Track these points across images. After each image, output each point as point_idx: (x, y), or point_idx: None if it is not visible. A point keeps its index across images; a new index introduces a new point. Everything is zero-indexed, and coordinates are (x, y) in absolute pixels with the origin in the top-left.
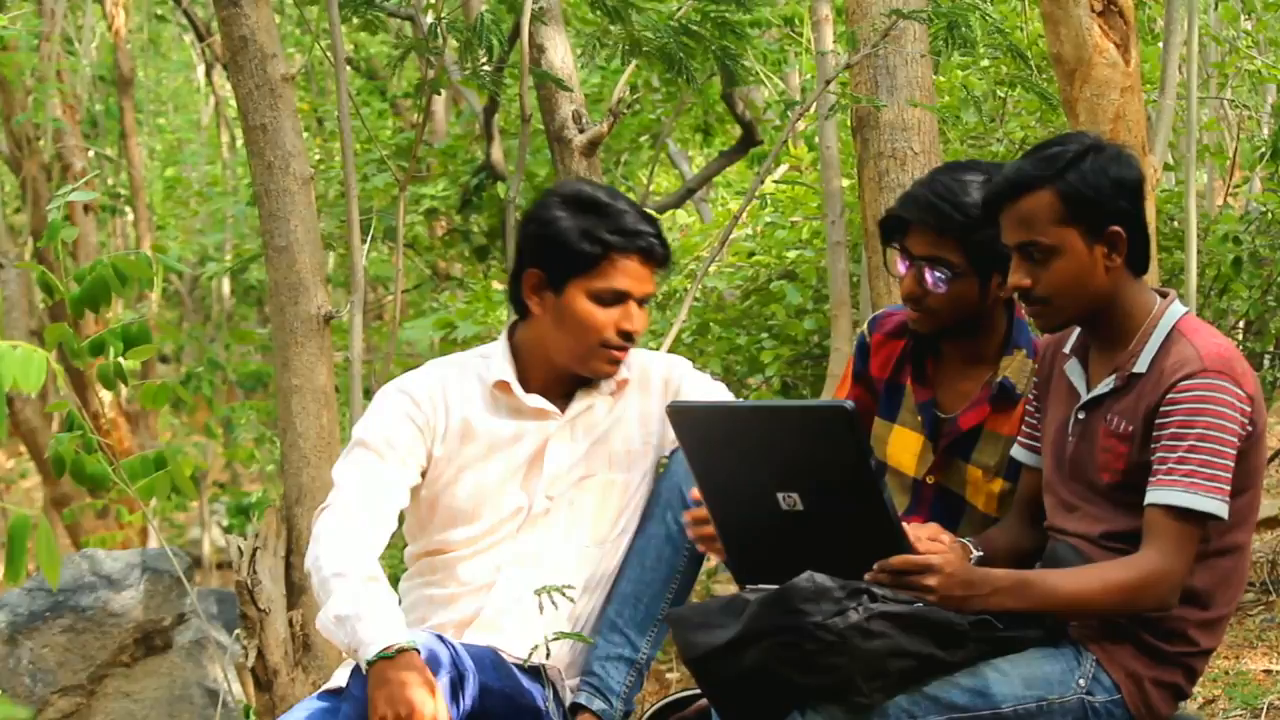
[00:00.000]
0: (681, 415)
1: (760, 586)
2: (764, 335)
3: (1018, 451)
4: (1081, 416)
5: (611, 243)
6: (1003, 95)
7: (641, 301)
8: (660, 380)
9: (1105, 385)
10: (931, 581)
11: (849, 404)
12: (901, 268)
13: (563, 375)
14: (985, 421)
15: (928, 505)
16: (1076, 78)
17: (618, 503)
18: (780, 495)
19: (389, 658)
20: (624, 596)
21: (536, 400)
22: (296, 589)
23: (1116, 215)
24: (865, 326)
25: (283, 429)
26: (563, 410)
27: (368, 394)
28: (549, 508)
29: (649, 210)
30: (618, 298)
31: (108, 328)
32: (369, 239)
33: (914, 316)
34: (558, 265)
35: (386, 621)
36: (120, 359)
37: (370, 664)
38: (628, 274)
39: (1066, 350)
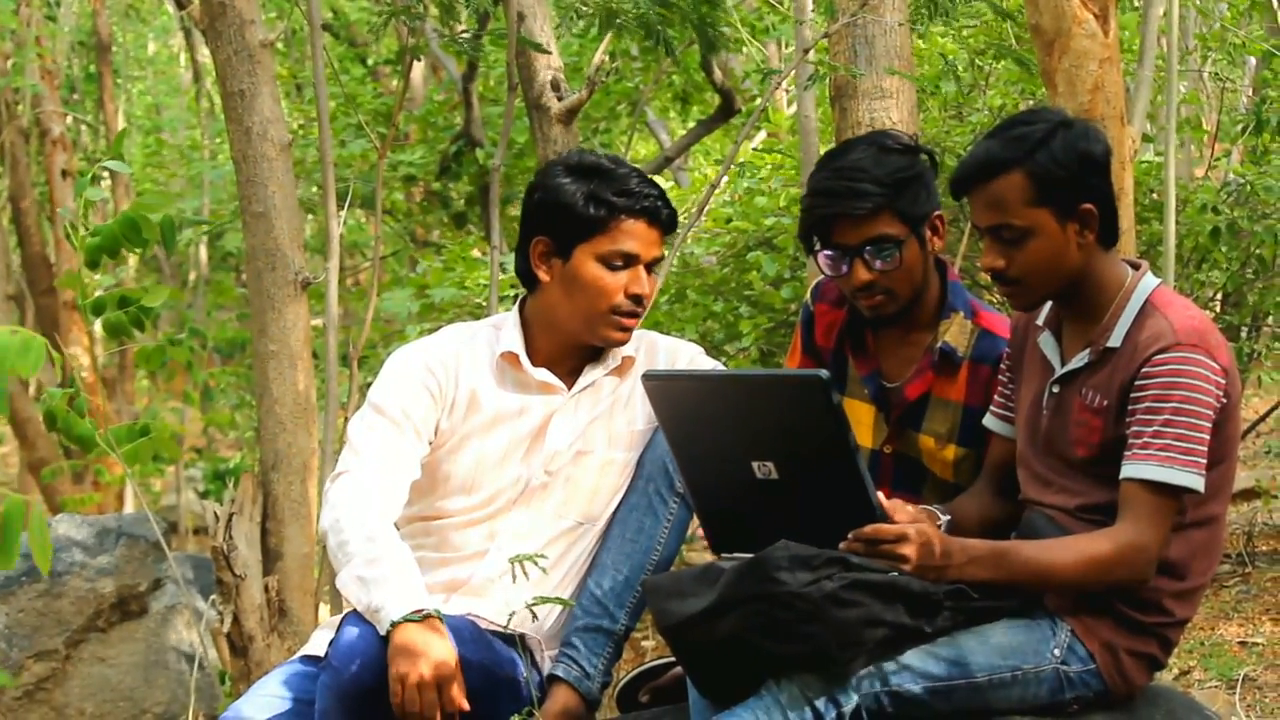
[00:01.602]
0: (656, 384)
1: (735, 555)
2: (740, 304)
3: (990, 421)
4: (1055, 390)
5: (617, 205)
6: (982, 64)
7: (650, 266)
8: (666, 364)
9: (1079, 360)
10: (906, 550)
11: (824, 373)
12: (841, 267)
13: (571, 349)
14: (931, 389)
15: (889, 476)
16: (1055, 49)
17: (614, 482)
18: (755, 464)
19: (414, 620)
20: (603, 567)
21: (543, 374)
22: (272, 555)
23: (1088, 193)
24: (809, 295)
25: (259, 395)
26: (569, 386)
27: (344, 360)
28: (547, 482)
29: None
30: (626, 261)
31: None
32: (346, 205)
33: (874, 303)
34: (565, 231)
35: (411, 585)
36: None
37: (395, 624)
38: (635, 236)
39: (1040, 322)
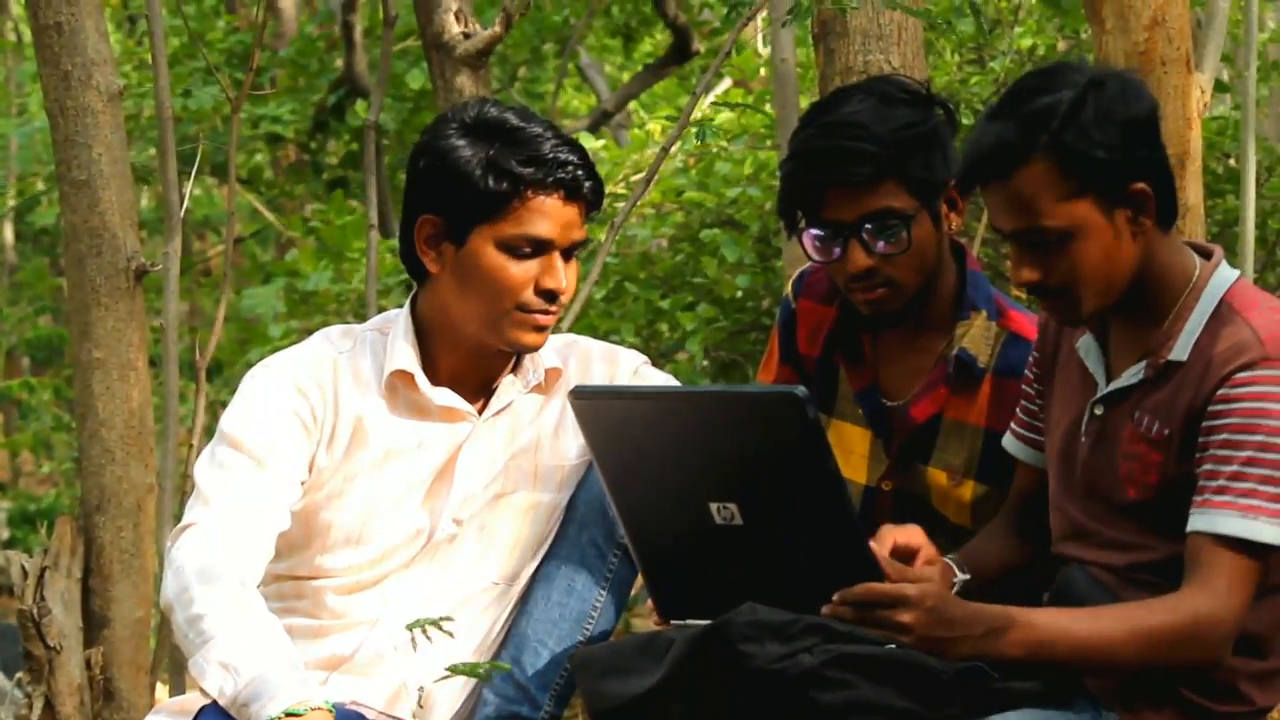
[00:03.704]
0: (587, 404)
1: (688, 623)
2: (695, 299)
3: (1010, 444)
4: (1099, 413)
5: (525, 177)
6: None
7: (568, 253)
8: (603, 379)
9: (1132, 375)
10: (905, 618)
11: (800, 389)
12: (833, 250)
13: (477, 358)
14: (944, 409)
15: (888, 520)
16: None
17: (540, 531)
18: (714, 506)
19: (298, 715)
20: (523, 639)
21: (446, 396)
22: (96, 620)
23: (1137, 168)
24: (790, 288)
25: (81, 414)
26: (479, 408)
27: (187, 370)
28: (455, 533)
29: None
30: (536, 247)
31: None
32: (193, 172)
33: (874, 296)
34: (458, 209)
35: (291, 673)
36: None
37: None
38: (547, 216)
39: None
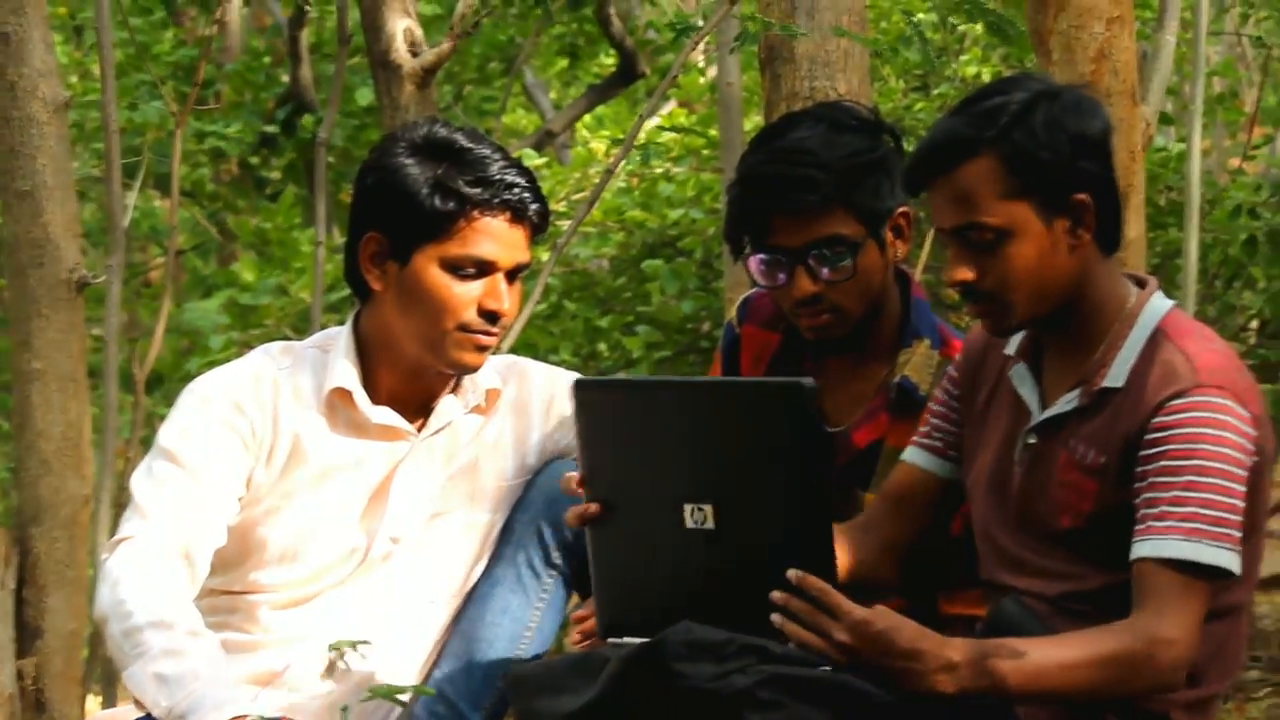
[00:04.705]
0: (589, 395)
1: (625, 641)
2: (632, 318)
3: (911, 453)
4: (1032, 441)
5: (472, 197)
6: (955, 24)
7: (512, 275)
8: (541, 401)
9: (1067, 402)
10: (841, 636)
11: (809, 381)
12: (778, 276)
13: (418, 379)
14: (886, 436)
15: None
16: (1050, 4)
17: (477, 550)
18: (689, 508)
19: None
20: (455, 658)
21: (385, 415)
22: (29, 631)
23: (1080, 179)
24: (734, 313)
25: (17, 426)
26: (418, 428)
27: (127, 382)
28: (390, 551)
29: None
30: (480, 269)
31: None
32: (137, 185)
33: (819, 323)
34: (403, 227)
35: (226, 686)
36: None
37: None
38: (492, 237)
39: (1011, 352)
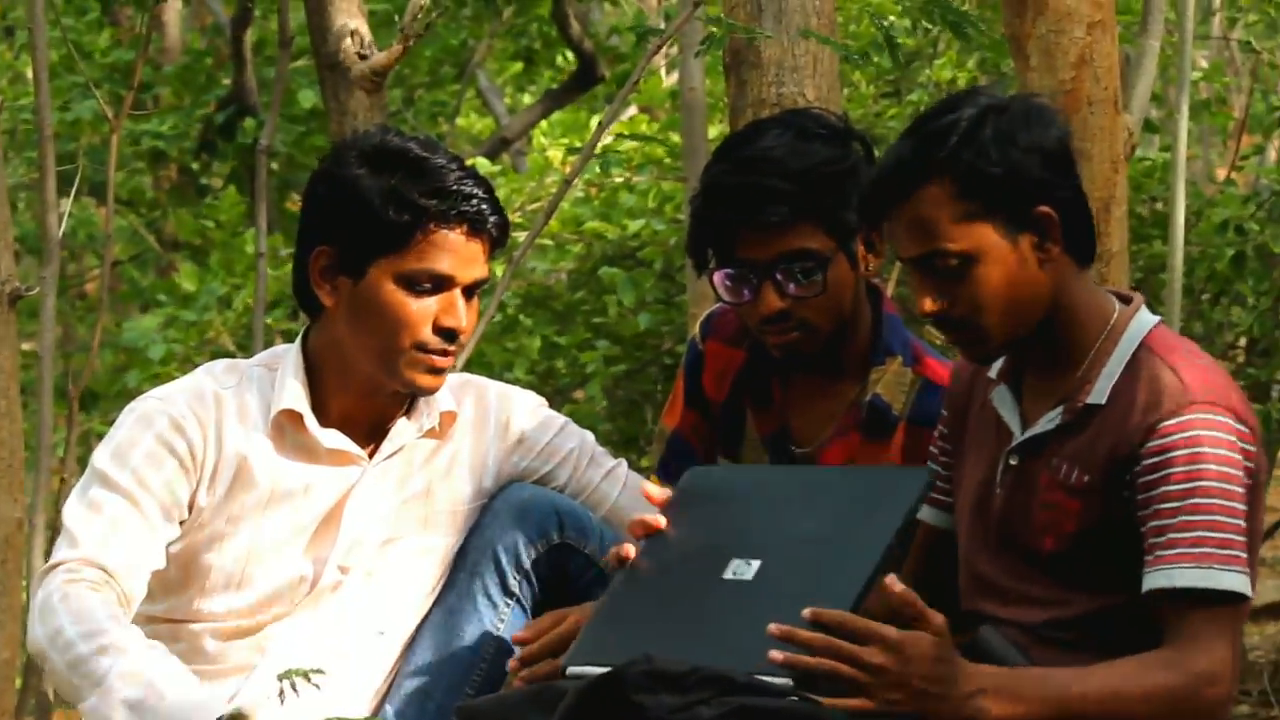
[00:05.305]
0: (700, 479)
1: (585, 671)
2: (590, 335)
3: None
4: (1014, 463)
5: (428, 209)
6: (929, 28)
7: (470, 290)
8: (498, 422)
9: (1049, 421)
10: (878, 659)
11: (930, 470)
12: (743, 291)
13: (370, 400)
14: (857, 456)
15: None
16: (1029, 7)
17: (431, 577)
18: (736, 561)
19: None
20: (409, 688)
21: (335, 439)
22: None
23: (1039, 191)
24: (697, 330)
25: None
26: (370, 452)
27: (61, 398)
28: (341, 580)
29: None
30: (436, 284)
31: None
32: (72, 192)
33: (786, 340)
34: (356, 240)
35: (202, 705)
36: None
37: None
38: (449, 251)
39: (993, 374)
